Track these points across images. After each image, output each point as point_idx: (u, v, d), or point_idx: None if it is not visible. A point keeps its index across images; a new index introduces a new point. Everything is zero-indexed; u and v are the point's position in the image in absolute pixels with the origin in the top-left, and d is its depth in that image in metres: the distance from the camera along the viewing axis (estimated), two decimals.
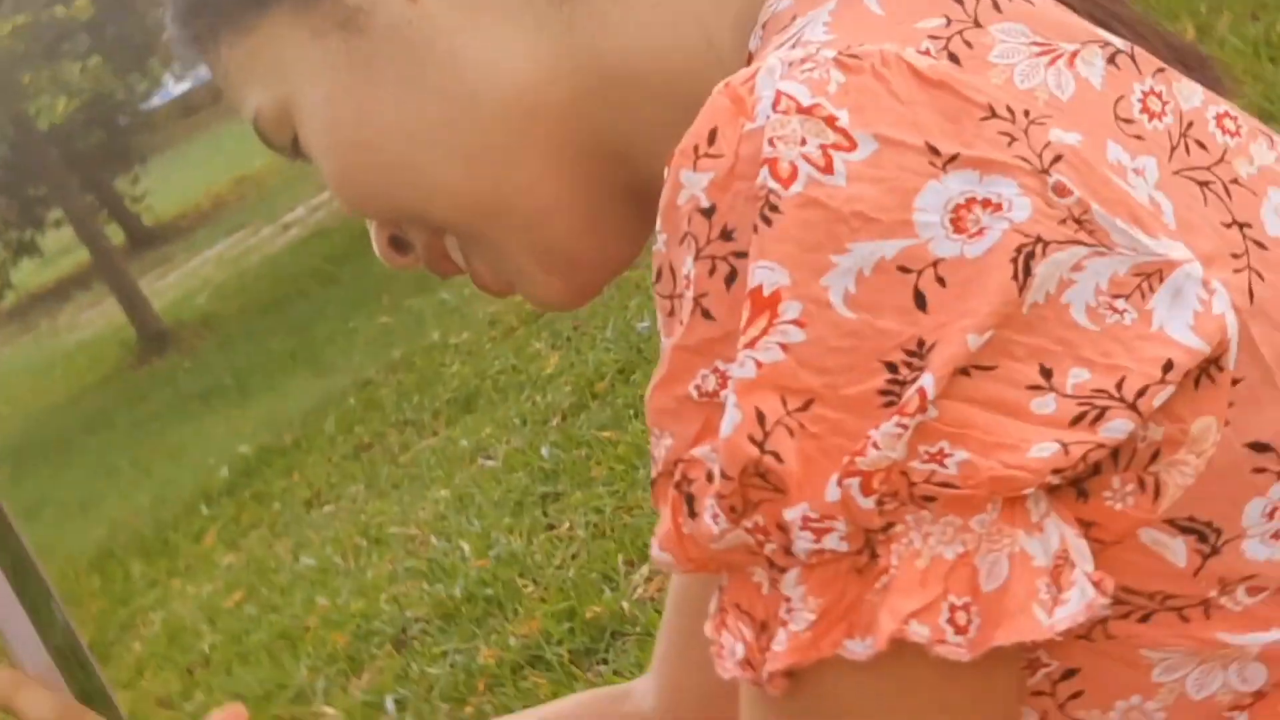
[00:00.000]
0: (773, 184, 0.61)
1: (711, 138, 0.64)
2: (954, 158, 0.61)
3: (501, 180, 0.81)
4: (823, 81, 0.62)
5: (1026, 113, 0.63)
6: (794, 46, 0.66)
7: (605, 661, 3.75)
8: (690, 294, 0.64)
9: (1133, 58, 0.70)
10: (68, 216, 14.08)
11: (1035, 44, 0.67)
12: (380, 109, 0.82)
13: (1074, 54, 0.68)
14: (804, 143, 0.61)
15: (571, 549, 4.44)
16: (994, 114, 0.62)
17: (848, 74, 0.62)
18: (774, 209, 0.61)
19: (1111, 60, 0.69)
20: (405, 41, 0.81)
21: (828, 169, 0.61)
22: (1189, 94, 0.71)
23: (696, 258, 0.64)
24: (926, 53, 0.65)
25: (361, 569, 5.34)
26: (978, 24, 0.68)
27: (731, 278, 0.63)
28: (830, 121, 0.61)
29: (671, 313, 0.66)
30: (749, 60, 0.75)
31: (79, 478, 9.74)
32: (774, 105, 0.62)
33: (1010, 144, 0.62)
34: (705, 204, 0.64)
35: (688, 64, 0.79)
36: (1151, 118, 0.68)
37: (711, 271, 0.64)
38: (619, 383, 5.51)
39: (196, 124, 30.64)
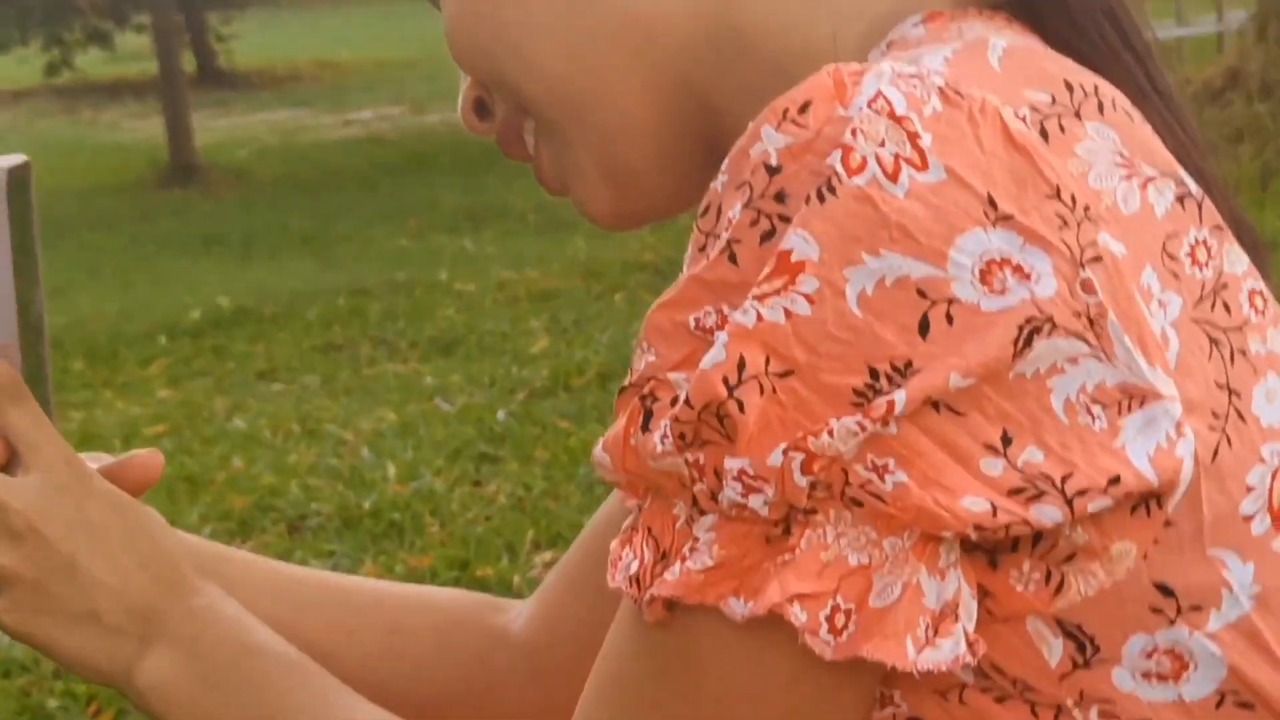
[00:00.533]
0: (840, 168, 0.64)
1: (803, 108, 0.66)
2: (1007, 217, 0.64)
3: (599, 83, 0.83)
4: (921, 101, 0.65)
5: (1087, 208, 0.65)
6: (909, 63, 0.68)
7: None
8: (726, 235, 0.67)
9: (1199, 205, 0.72)
10: (153, 25, 14.11)
11: (1120, 155, 0.70)
12: None
13: (1150, 179, 0.70)
14: (882, 144, 0.64)
15: (488, 511, 4.47)
16: (1058, 196, 0.65)
17: (946, 105, 0.65)
18: (831, 190, 0.64)
19: (1180, 200, 0.71)
20: None
21: (893, 177, 0.64)
22: (1235, 259, 0.73)
23: (745, 206, 0.66)
24: (1023, 119, 0.67)
25: (285, 450, 5.35)
26: (1077, 115, 0.70)
27: (768, 235, 0.65)
28: (913, 138, 0.64)
29: (703, 248, 0.69)
30: None
31: (64, 265, 9.73)
32: (869, 102, 0.65)
33: (1061, 228, 0.64)
34: (773, 162, 0.66)
35: (805, 49, 0.80)
36: (1194, 264, 0.70)
37: (754, 223, 0.66)
38: (595, 384, 5.56)
39: None
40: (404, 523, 4.45)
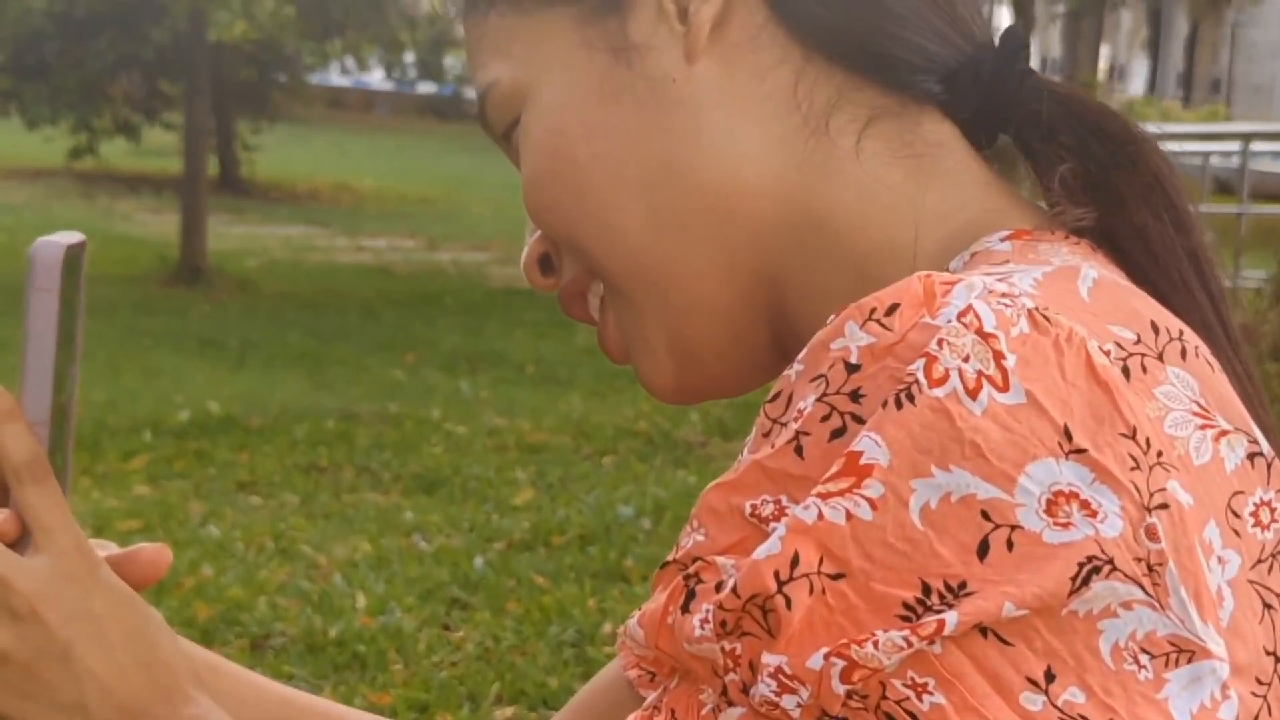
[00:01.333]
0: (922, 377, 0.64)
1: (891, 310, 0.66)
2: (1081, 451, 0.63)
3: (677, 257, 0.83)
4: (1010, 321, 0.65)
5: (1160, 454, 0.65)
6: (1001, 280, 0.69)
7: None
8: (795, 426, 0.67)
9: (1269, 466, 0.71)
10: (185, 125, 14.25)
11: (1197, 404, 0.69)
12: (606, 139, 0.83)
13: (1224, 433, 0.70)
14: (967, 360, 0.64)
15: (454, 657, 4.44)
16: (1133, 436, 0.65)
17: (1034, 329, 0.65)
18: (910, 398, 0.64)
19: (1251, 457, 0.71)
20: (662, 94, 0.83)
21: (974, 394, 0.64)
22: None
23: (819, 399, 0.66)
24: (1107, 353, 0.67)
25: (256, 565, 5.31)
26: (1160, 358, 0.70)
27: (839, 432, 0.66)
28: (998, 357, 0.64)
29: (768, 433, 0.69)
30: None
31: None
32: (959, 315, 0.65)
33: (1133, 469, 0.64)
34: (853, 360, 0.66)
35: (886, 249, 0.81)
36: (1256, 524, 0.70)
37: (825, 418, 0.66)
38: (575, 544, 5.53)
39: (336, 118, 31.08)
40: (368, 656, 4.41)
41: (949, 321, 0.65)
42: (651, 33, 0.83)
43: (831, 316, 0.68)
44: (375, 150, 26.40)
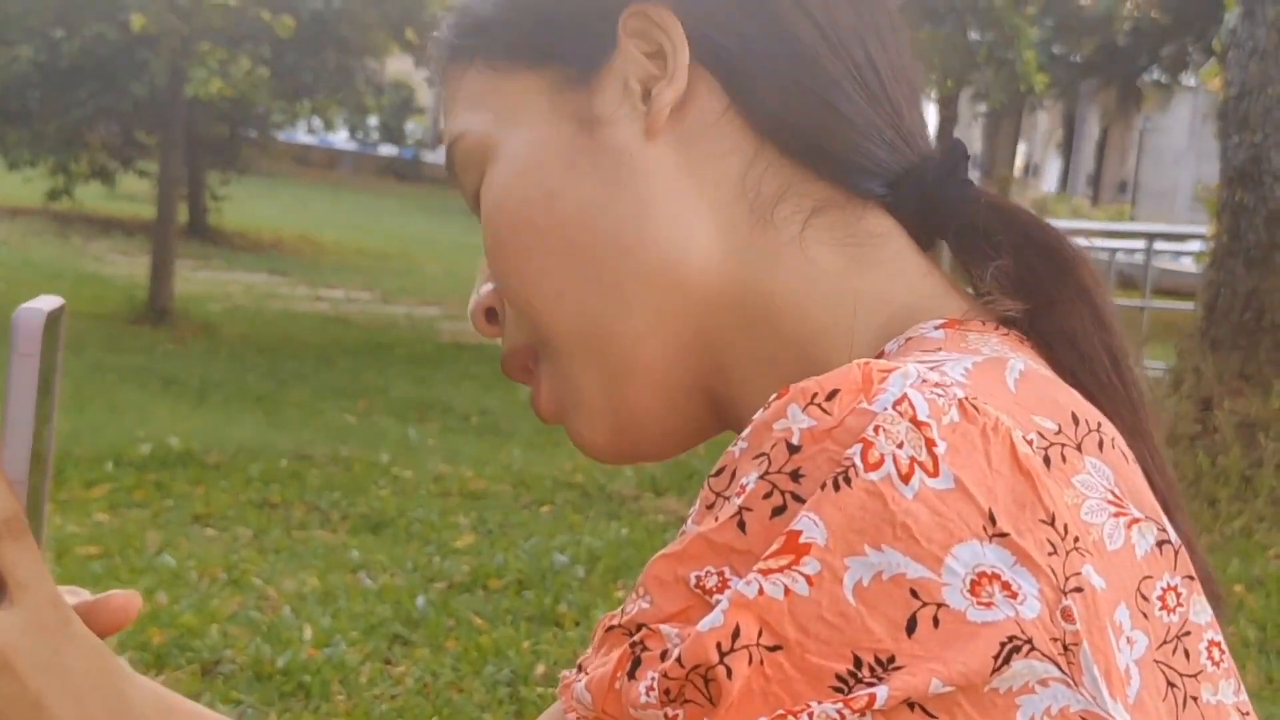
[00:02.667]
0: (859, 461, 0.64)
1: (830, 395, 0.67)
2: (1003, 535, 0.64)
3: (619, 320, 0.83)
4: (942, 411, 0.66)
5: (1076, 539, 0.66)
6: (933, 369, 0.69)
7: None
8: (738, 501, 0.67)
9: (1176, 553, 0.72)
10: (159, 173, 14.19)
11: (1112, 493, 0.70)
12: (563, 204, 0.83)
13: (1135, 520, 0.70)
14: (901, 445, 0.64)
15: (395, 690, 4.40)
16: (1052, 522, 0.65)
17: (964, 418, 0.66)
18: (847, 480, 0.64)
19: (1159, 544, 0.71)
20: (620, 166, 0.83)
21: (906, 478, 0.64)
22: (1200, 610, 0.72)
23: (761, 477, 0.66)
24: (1030, 443, 0.67)
25: (209, 594, 5.26)
26: (1079, 448, 0.70)
27: (779, 510, 0.66)
28: (929, 444, 0.64)
29: (711, 506, 0.69)
30: (879, 357, 0.78)
31: None
32: (895, 403, 0.65)
33: (1051, 554, 0.64)
34: (795, 441, 0.66)
35: (826, 330, 0.81)
36: (1163, 607, 0.70)
37: (767, 495, 0.66)
38: (512, 588, 5.51)
39: (301, 174, 30.98)
40: (313, 686, 4.36)
41: (885, 409, 0.65)
42: (615, 108, 0.84)
43: (773, 397, 0.68)
44: (337, 206, 26.31)
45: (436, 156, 35.30)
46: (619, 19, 0.84)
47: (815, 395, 0.67)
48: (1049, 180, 46.31)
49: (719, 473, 0.69)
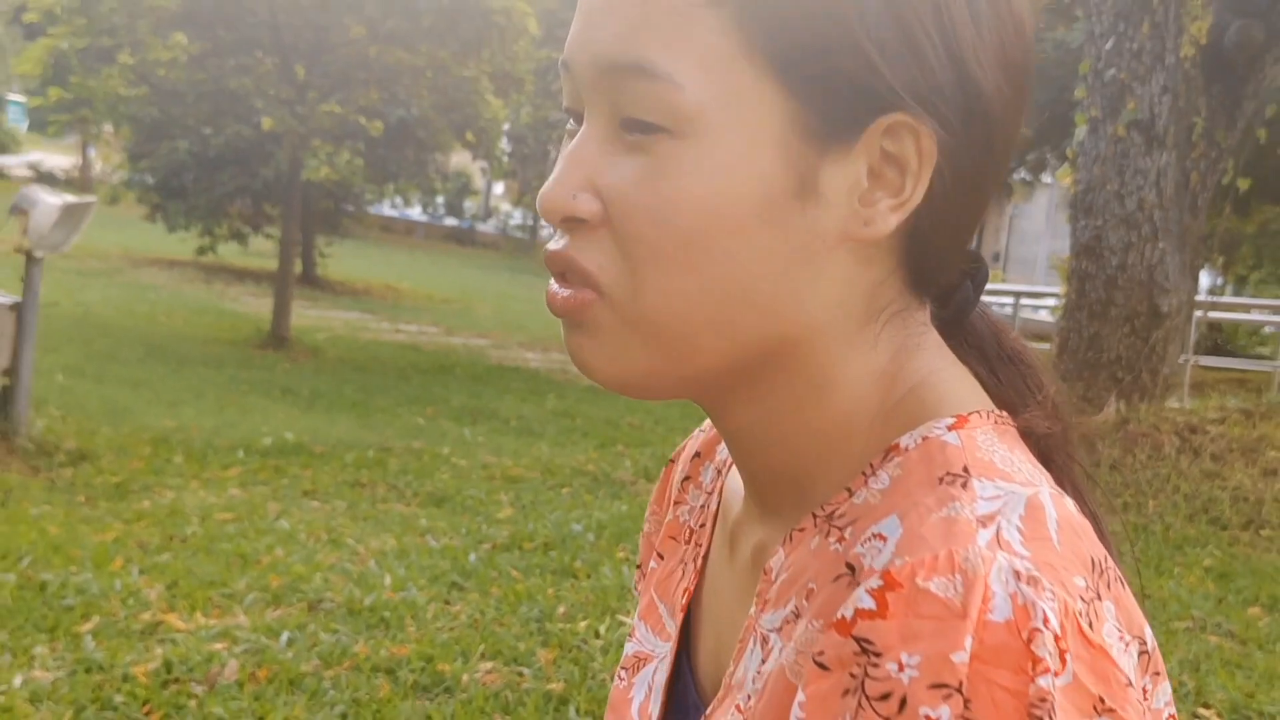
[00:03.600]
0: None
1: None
2: (1110, 710, 0.56)
3: (710, 335, 0.65)
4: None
5: (1130, 683, 0.58)
6: (1025, 576, 0.56)
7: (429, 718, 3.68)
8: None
9: (1150, 659, 0.62)
10: (280, 236, 14.17)
11: (1117, 628, 0.60)
12: (743, 248, 0.63)
13: (1128, 644, 0.60)
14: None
15: (452, 624, 4.37)
16: (1130, 684, 0.58)
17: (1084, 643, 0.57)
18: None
19: (1140, 654, 0.61)
20: (808, 249, 0.64)
21: None
22: (1162, 695, 0.64)
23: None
24: (1080, 614, 0.57)
25: (314, 550, 5.20)
26: (1099, 596, 0.59)
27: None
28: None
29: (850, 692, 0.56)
30: (892, 450, 0.66)
31: (182, 387, 9.58)
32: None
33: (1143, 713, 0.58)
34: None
35: (849, 408, 0.68)
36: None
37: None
38: (540, 549, 5.48)
39: (385, 239, 30.93)
40: (391, 620, 4.34)
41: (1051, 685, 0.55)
42: (838, 193, 0.63)
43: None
44: (412, 262, 26.25)
45: (487, 227, 35.29)
46: (893, 110, 0.62)
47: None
48: None
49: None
